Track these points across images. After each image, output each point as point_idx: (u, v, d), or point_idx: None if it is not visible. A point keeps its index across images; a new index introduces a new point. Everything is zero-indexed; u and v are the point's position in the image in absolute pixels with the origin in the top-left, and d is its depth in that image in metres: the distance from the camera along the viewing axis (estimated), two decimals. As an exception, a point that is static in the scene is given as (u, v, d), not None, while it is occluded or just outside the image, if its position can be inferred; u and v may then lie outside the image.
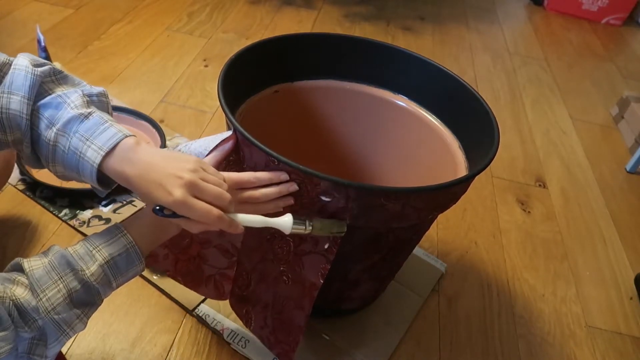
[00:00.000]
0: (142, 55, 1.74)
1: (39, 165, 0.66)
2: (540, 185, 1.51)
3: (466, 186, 0.80)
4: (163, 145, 1.30)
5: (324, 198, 0.68)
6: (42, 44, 1.41)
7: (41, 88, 0.62)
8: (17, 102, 0.60)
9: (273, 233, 0.79)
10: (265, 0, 2.25)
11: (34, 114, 0.62)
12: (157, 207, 0.58)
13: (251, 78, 0.90)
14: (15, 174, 1.19)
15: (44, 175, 1.19)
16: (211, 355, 0.93)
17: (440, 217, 1.24)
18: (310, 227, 0.67)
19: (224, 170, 0.76)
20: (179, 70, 1.70)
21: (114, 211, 1.16)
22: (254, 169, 0.71)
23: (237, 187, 0.67)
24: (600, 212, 1.44)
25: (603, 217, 1.43)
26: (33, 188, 1.18)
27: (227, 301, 0.99)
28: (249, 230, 0.82)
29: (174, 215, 0.58)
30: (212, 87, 1.64)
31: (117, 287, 0.63)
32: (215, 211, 0.58)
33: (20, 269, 0.58)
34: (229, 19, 2.06)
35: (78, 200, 1.17)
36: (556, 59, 2.24)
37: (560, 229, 1.36)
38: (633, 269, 1.28)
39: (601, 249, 1.33)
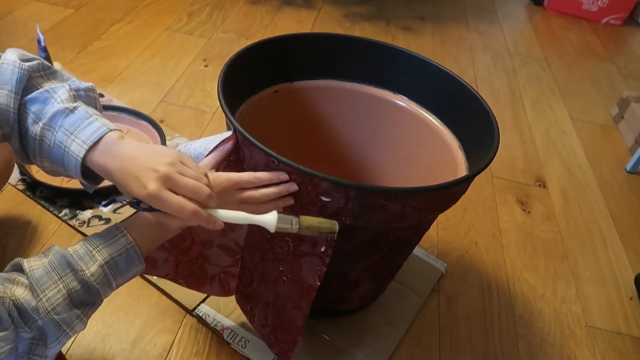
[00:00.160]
0: (142, 55, 1.74)
1: (28, 160, 0.66)
2: (540, 185, 1.51)
3: (466, 186, 0.80)
4: (163, 145, 1.30)
5: (324, 198, 0.68)
6: (42, 44, 1.41)
7: (29, 83, 0.62)
8: (4, 96, 0.60)
9: (273, 233, 0.78)
10: (265, 0, 2.25)
11: (22, 108, 0.62)
12: (135, 200, 0.58)
13: (251, 78, 0.90)
14: (15, 174, 1.19)
15: (44, 175, 1.19)
16: (211, 355, 0.93)
17: (440, 217, 1.24)
18: (297, 226, 0.64)
19: (224, 170, 0.76)
20: (179, 70, 1.70)
21: (114, 211, 1.16)
22: (254, 169, 0.71)
23: (237, 187, 0.67)
24: (600, 212, 1.44)
25: (603, 217, 1.43)
26: (33, 188, 1.18)
27: (227, 302, 1.00)
28: (251, 229, 0.82)
29: (151, 209, 0.58)
30: (212, 87, 1.64)
31: (117, 287, 0.63)
32: (190, 206, 0.57)
33: (20, 269, 0.58)
34: (229, 19, 2.06)
35: (78, 200, 1.17)
36: (556, 59, 2.24)
37: (560, 229, 1.36)
38: (633, 269, 1.28)
39: (601, 249, 1.33)
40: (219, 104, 0.74)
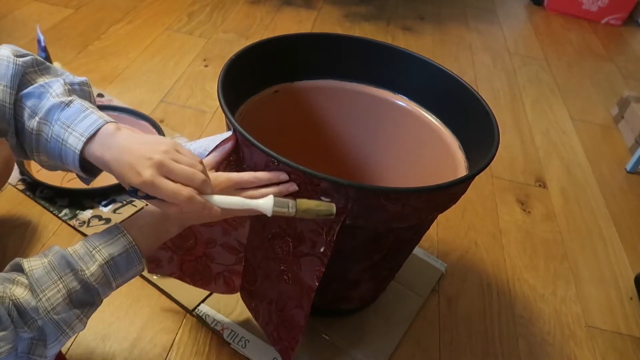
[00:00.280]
0: (142, 55, 1.74)
1: (25, 156, 0.66)
2: (540, 185, 1.51)
3: (466, 186, 0.80)
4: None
5: (324, 198, 0.68)
6: (42, 44, 1.41)
7: (24, 78, 0.63)
8: None
9: (274, 233, 0.79)
10: (265, 0, 2.25)
11: (17, 104, 0.62)
12: (132, 189, 0.58)
13: (251, 78, 0.90)
14: (15, 174, 1.19)
15: (44, 175, 1.19)
16: (211, 355, 0.93)
17: (440, 217, 1.24)
18: (294, 210, 0.64)
19: (224, 170, 0.76)
20: (179, 70, 1.70)
21: (114, 211, 1.16)
22: (254, 169, 0.71)
23: (237, 187, 0.67)
24: (600, 212, 1.44)
25: (603, 217, 1.43)
26: (33, 188, 1.18)
27: (227, 302, 1.00)
28: (252, 228, 0.83)
29: (148, 196, 0.58)
30: (212, 87, 1.64)
31: (117, 287, 0.63)
32: (185, 191, 0.57)
33: (20, 269, 0.58)
34: (229, 19, 2.06)
35: (78, 200, 1.17)
36: (556, 59, 2.24)
37: (560, 229, 1.36)
38: (633, 269, 1.28)
39: (601, 249, 1.33)
40: (219, 104, 0.74)
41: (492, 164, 0.77)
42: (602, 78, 2.16)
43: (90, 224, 1.12)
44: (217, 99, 0.75)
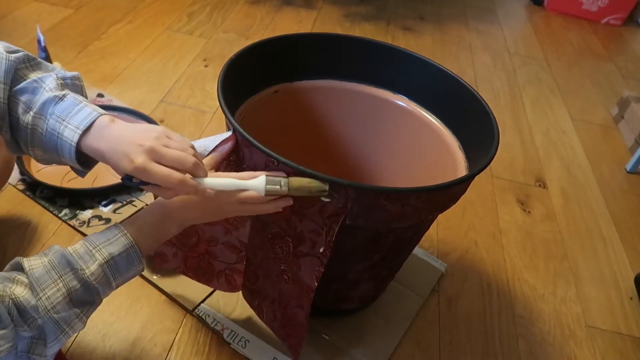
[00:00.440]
0: (142, 55, 1.74)
1: (20, 150, 0.67)
2: (540, 185, 1.51)
3: (466, 186, 0.80)
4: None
5: (323, 198, 0.68)
6: (42, 44, 1.41)
7: (16, 74, 0.63)
8: None
9: (274, 232, 0.79)
10: (265, 0, 2.25)
11: (11, 99, 0.63)
12: (126, 176, 0.59)
13: (251, 78, 0.90)
14: (15, 174, 1.19)
15: (44, 175, 1.19)
16: (211, 355, 0.93)
17: (440, 217, 1.24)
18: (286, 187, 0.65)
19: (224, 170, 0.76)
20: (179, 70, 1.70)
21: (114, 211, 1.16)
22: (254, 169, 0.71)
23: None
24: (600, 212, 1.44)
25: (603, 217, 1.43)
26: (33, 188, 1.18)
27: (227, 302, 1.00)
28: (253, 228, 0.83)
29: (142, 182, 0.59)
30: (212, 87, 1.64)
31: (117, 287, 0.63)
32: (176, 174, 0.59)
33: (20, 268, 0.58)
34: (229, 19, 2.07)
35: (78, 200, 1.17)
36: (556, 59, 2.24)
37: (560, 229, 1.36)
38: (633, 269, 1.28)
39: (601, 249, 1.33)
40: (218, 104, 0.74)
41: (492, 164, 0.77)
42: (602, 78, 2.16)
43: (90, 224, 1.12)
44: (217, 99, 0.75)
